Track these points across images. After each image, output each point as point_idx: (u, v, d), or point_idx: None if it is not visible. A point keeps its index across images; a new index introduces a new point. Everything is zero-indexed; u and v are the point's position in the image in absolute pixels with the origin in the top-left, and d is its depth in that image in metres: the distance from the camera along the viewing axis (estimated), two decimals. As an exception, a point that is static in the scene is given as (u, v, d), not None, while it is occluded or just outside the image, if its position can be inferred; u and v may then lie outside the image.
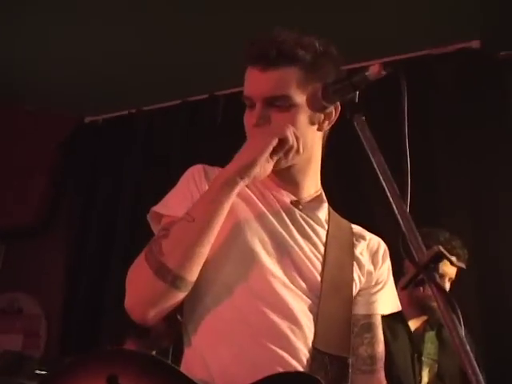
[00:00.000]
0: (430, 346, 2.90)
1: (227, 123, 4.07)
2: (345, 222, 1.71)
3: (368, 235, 1.70)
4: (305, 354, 1.44)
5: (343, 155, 3.57)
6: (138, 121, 4.65)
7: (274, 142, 1.42)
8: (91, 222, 4.59)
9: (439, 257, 1.01)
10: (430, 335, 2.92)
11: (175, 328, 2.61)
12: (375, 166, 1.13)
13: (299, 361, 1.42)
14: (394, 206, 1.09)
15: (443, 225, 3.39)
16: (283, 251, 1.50)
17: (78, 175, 4.76)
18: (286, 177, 1.59)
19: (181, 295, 1.39)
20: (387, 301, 1.65)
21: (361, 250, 1.64)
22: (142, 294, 1.39)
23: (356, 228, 1.71)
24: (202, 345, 1.45)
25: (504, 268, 3.39)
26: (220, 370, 1.39)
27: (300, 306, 1.47)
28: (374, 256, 1.65)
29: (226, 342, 1.42)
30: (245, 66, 1.56)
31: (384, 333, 1.67)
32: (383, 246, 1.68)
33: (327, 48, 1.53)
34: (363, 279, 1.61)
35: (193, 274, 1.40)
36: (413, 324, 2.94)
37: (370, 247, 1.66)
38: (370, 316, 1.61)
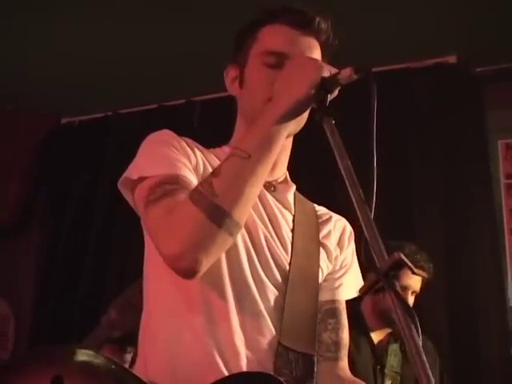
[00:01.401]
0: (393, 359, 2.90)
1: (203, 129, 4.07)
2: (309, 204, 1.65)
3: (334, 217, 1.63)
4: (271, 351, 1.38)
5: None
6: (114, 123, 4.64)
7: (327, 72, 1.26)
8: (65, 223, 4.56)
9: (399, 264, 0.99)
10: (394, 348, 2.92)
11: (128, 316, 2.55)
12: (342, 170, 1.12)
13: (264, 359, 1.37)
14: (358, 212, 1.08)
15: (416, 233, 3.45)
16: (258, 240, 1.43)
17: (54, 176, 4.73)
18: None
19: (231, 242, 1.27)
20: (351, 285, 1.60)
21: (327, 234, 1.58)
22: (193, 239, 1.20)
23: (321, 210, 1.65)
24: (162, 328, 1.39)
25: (474, 277, 3.45)
26: (182, 356, 1.34)
27: (269, 301, 1.41)
28: (339, 239, 1.60)
29: (190, 331, 1.36)
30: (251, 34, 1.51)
31: None
32: (349, 228, 1.63)
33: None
34: (331, 266, 1.56)
35: (244, 219, 1.28)
36: (376, 336, 2.94)
37: (336, 230, 1.61)
38: (333, 301, 1.56)
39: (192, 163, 1.42)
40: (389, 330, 2.94)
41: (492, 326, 3.37)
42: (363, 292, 1.02)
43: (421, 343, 0.97)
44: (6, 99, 4.50)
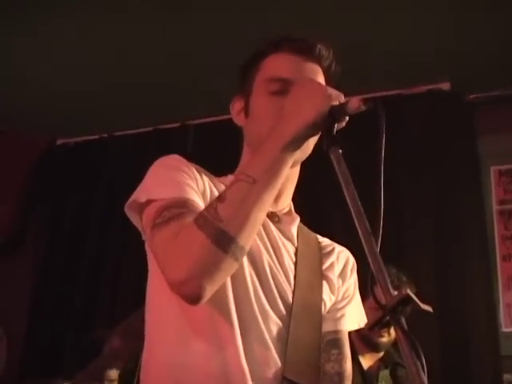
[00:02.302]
0: (384, 385, 2.89)
1: (197, 152, 4.08)
2: (312, 235, 1.63)
3: (337, 248, 1.63)
4: (275, 382, 1.35)
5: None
6: (109, 145, 4.64)
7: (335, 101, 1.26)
8: (59, 244, 4.53)
9: (407, 300, 0.98)
10: (384, 374, 2.90)
11: (131, 344, 2.52)
12: (348, 200, 1.10)
13: None
14: (364, 244, 1.06)
15: (407, 258, 3.44)
16: (264, 271, 1.41)
17: (48, 196, 4.70)
18: None
19: (236, 267, 1.25)
20: (353, 316, 1.59)
21: (330, 266, 1.57)
22: (198, 265, 1.18)
23: (324, 241, 1.64)
24: (167, 353, 1.36)
25: (466, 303, 3.45)
26: (189, 380, 1.31)
27: (273, 332, 1.38)
28: (342, 270, 1.59)
29: (196, 355, 1.32)
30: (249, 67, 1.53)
31: None
32: (352, 260, 1.62)
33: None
34: (333, 298, 1.55)
35: (250, 244, 1.26)
36: (366, 362, 2.92)
37: (339, 261, 1.60)
38: (336, 332, 1.55)
39: (200, 188, 1.41)
40: (376, 355, 2.92)
41: (484, 352, 3.37)
42: (370, 327, 1.01)
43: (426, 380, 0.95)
44: (1, 120, 4.47)
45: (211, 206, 1.24)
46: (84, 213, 4.51)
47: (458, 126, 3.71)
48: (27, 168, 4.68)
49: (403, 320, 0.99)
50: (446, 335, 3.39)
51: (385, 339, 2.82)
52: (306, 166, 1.52)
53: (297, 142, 1.26)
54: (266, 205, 1.26)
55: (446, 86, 3.79)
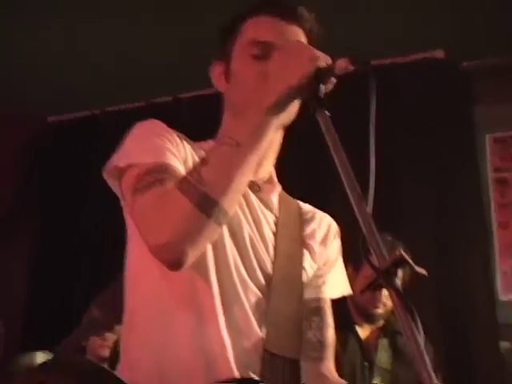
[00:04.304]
0: (383, 355, 2.86)
1: (190, 126, 4.04)
2: (294, 203, 1.61)
3: (318, 215, 1.61)
4: (257, 354, 1.35)
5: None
6: (102, 121, 4.62)
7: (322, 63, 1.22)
8: (55, 224, 4.52)
9: (400, 262, 0.97)
10: (384, 343, 2.88)
11: (110, 314, 2.52)
12: (337, 164, 1.09)
13: (251, 363, 1.34)
14: (355, 208, 1.05)
15: (405, 228, 3.44)
16: (243, 241, 1.40)
17: (42, 175, 4.69)
18: None
19: (219, 232, 1.25)
20: (336, 284, 1.58)
21: (311, 233, 1.55)
22: (181, 229, 1.17)
23: (306, 208, 1.62)
24: (149, 327, 1.35)
25: (463, 271, 3.46)
26: (171, 358, 1.30)
27: (253, 303, 1.37)
28: (324, 237, 1.57)
29: (178, 331, 1.32)
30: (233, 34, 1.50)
31: None
32: (334, 226, 1.61)
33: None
34: (315, 266, 1.54)
35: (233, 209, 1.26)
36: (363, 332, 2.90)
37: (321, 228, 1.58)
38: (317, 299, 1.54)
39: (182, 155, 1.38)
40: (374, 325, 2.91)
41: (481, 320, 3.39)
42: (362, 290, 1.00)
43: (423, 341, 0.94)
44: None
45: (194, 170, 1.23)
46: (80, 189, 4.49)
47: (453, 94, 3.69)
48: (19, 148, 4.65)
49: (397, 282, 0.98)
50: (443, 304, 3.40)
51: (380, 310, 2.80)
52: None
53: (282, 105, 1.24)
54: (250, 169, 1.25)
55: (439, 54, 3.76)
